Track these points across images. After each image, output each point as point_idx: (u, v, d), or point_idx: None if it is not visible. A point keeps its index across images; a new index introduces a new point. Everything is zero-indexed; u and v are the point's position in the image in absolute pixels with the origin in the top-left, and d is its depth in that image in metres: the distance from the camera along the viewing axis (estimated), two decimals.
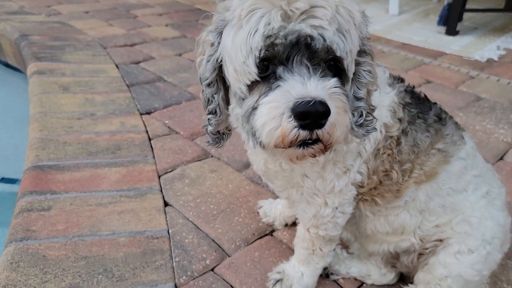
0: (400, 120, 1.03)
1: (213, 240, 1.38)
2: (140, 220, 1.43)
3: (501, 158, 1.90)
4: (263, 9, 0.74)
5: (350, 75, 0.83)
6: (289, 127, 0.73)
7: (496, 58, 3.04)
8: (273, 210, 1.46)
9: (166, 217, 1.46)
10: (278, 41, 0.74)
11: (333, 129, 0.76)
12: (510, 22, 3.81)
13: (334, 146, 0.80)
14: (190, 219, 1.46)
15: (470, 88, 2.57)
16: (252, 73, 0.77)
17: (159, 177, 1.65)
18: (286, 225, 1.47)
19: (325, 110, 0.72)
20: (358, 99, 0.87)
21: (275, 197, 1.56)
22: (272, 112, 0.74)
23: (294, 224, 1.47)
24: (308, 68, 0.75)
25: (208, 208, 1.52)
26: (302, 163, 0.87)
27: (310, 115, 0.72)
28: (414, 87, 1.13)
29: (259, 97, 0.78)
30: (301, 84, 0.73)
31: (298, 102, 0.72)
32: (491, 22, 3.74)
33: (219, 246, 1.36)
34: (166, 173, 1.68)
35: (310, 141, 0.76)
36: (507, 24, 3.73)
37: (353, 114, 0.87)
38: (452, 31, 3.30)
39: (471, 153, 1.10)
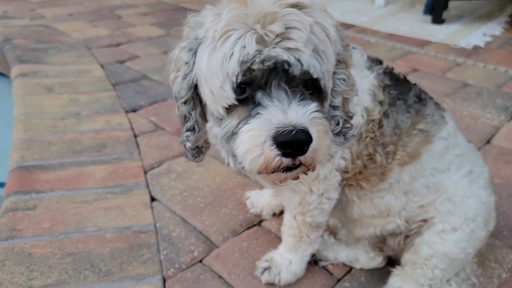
0: (380, 103, 1.03)
1: (200, 232, 1.38)
2: (126, 216, 1.42)
3: (488, 141, 1.90)
4: (237, 32, 0.72)
5: (328, 91, 0.82)
6: (271, 155, 0.73)
7: (482, 45, 3.05)
8: (260, 200, 1.46)
9: (153, 212, 1.45)
10: (255, 66, 0.72)
11: (315, 154, 0.76)
12: (496, 9, 3.83)
13: (314, 168, 0.80)
14: (177, 213, 1.45)
15: (456, 75, 2.58)
16: (230, 98, 0.75)
17: (145, 173, 1.64)
18: (274, 214, 1.46)
19: (307, 138, 0.72)
20: (334, 107, 0.85)
21: (263, 187, 1.55)
22: (254, 141, 0.74)
23: (281, 213, 1.46)
24: (287, 92, 0.74)
25: (195, 201, 1.51)
26: (284, 184, 0.86)
27: (292, 144, 0.72)
28: (393, 68, 1.12)
29: (239, 122, 0.77)
30: (281, 112, 0.73)
31: (279, 131, 0.71)
32: (477, 10, 3.76)
33: (207, 238, 1.36)
34: (153, 168, 1.67)
35: (293, 166, 0.76)
36: (493, 11, 3.75)
37: (330, 123, 0.85)
38: (438, 19, 3.31)
39: (452, 132, 1.10)
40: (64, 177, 1.58)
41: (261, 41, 0.71)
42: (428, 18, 3.41)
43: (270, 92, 0.75)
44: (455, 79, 2.51)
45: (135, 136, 1.86)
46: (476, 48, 3.02)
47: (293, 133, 0.71)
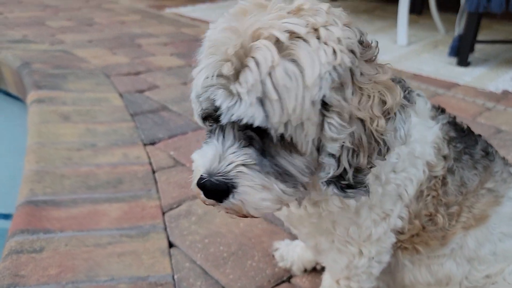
0: (445, 157, 0.91)
1: None
2: (142, 264, 1.28)
3: None
4: (214, 57, 0.68)
5: (299, 141, 0.70)
6: (198, 191, 0.74)
7: (511, 90, 2.95)
8: (291, 253, 1.31)
9: (171, 260, 1.31)
10: (203, 104, 0.71)
11: (239, 206, 0.71)
12: None
13: (260, 215, 0.75)
14: (198, 263, 1.31)
15: (488, 120, 2.46)
16: (197, 118, 0.77)
17: (163, 213, 1.51)
18: (305, 270, 1.31)
19: (215, 189, 0.70)
20: (329, 154, 0.72)
21: (292, 238, 1.41)
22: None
23: (314, 269, 1.31)
24: (232, 135, 0.69)
25: (218, 250, 1.37)
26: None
27: (203, 190, 0.72)
28: (455, 117, 1.01)
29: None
30: (208, 156, 0.71)
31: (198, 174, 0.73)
32: (502, 53, 3.70)
33: None
34: (171, 209, 1.54)
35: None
36: None
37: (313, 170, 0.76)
38: (463, 62, 3.23)
39: None
40: (76, 215, 1.45)
41: (223, 77, 0.67)
42: (453, 60, 3.34)
43: (223, 129, 0.71)
44: (488, 125, 2.40)
45: (153, 171, 1.74)
46: (505, 93, 2.92)
47: (202, 181, 0.71)
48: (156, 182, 1.68)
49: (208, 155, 0.71)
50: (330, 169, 0.71)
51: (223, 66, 0.66)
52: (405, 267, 1.02)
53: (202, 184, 0.71)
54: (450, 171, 0.92)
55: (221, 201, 0.72)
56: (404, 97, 0.87)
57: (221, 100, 0.67)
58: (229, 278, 1.26)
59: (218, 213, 1.53)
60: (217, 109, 0.69)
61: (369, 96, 0.70)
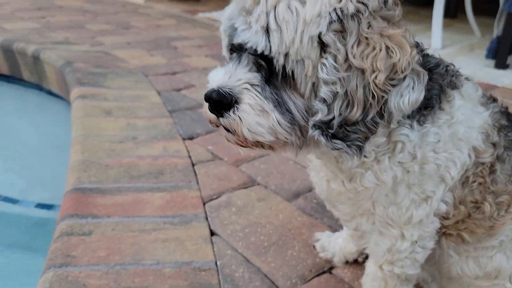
0: (494, 144, 0.90)
1: (265, 276, 1.24)
2: (186, 250, 1.31)
3: None
4: None
5: (296, 76, 0.74)
6: (205, 106, 0.80)
7: None
8: (332, 244, 1.31)
9: (213, 248, 1.34)
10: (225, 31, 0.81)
11: (235, 124, 0.76)
12: None
13: (252, 144, 0.80)
14: (239, 251, 1.33)
15: None
16: (224, 50, 0.85)
17: (204, 204, 1.54)
18: (346, 262, 1.31)
19: (219, 99, 0.76)
20: (321, 99, 0.73)
21: (333, 230, 1.42)
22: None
23: (355, 261, 1.31)
24: (245, 59, 0.77)
25: (258, 240, 1.39)
26: (250, 148, 0.83)
27: (209, 101, 0.77)
28: (507, 107, 1.00)
29: None
30: (219, 72, 0.78)
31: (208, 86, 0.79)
32: None
33: (273, 283, 1.22)
34: (211, 200, 1.57)
35: (226, 128, 0.80)
36: None
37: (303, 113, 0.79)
38: (502, 64, 3.16)
39: None
40: (122, 202, 1.50)
41: (244, 10, 0.76)
42: (491, 62, 3.27)
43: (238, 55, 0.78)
44: None
45: (193, 164, 1.78)
46: None
47: (209, 90, 0.76)
48: (195, 174, 1.71)
49: (221, 73, 0.78)
50: (319, 113, 0.73)
51: (246, 1, 0.75)
52: (451, 258, 1.00)
53: (210, 95, 0.76)
54: (500, 159, 0.90)
55: (222, 115, 0.77)
56: (450, 80, 0.88)
57: (239, 26, 0.76)
58: (271, 266, 1.28)
59: (257, 205, 1.55)
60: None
61: (374, 48, 0.70)
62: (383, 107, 0.72)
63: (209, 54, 3.29)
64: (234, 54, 0.80)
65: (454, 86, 0.90)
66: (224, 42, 0.84)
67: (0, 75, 3.44)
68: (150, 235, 1.36)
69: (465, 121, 0.88)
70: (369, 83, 0.70)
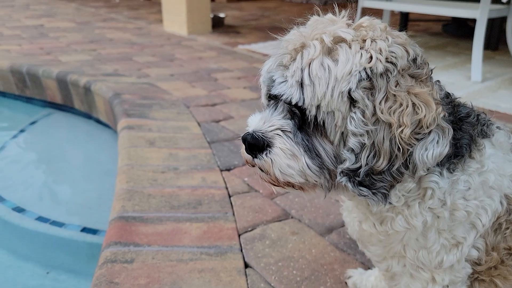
0: None
1: None
2: (220, 281, 1.37)
3: None
4: (280, 51, 0.85)
5: (327, 126, 0.80)
6: (243, 148, 0.88)
7: None
8: (364, 282, 1.33)
9: (247, 280, 1.38)
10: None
11: (268, 165, 0.84)
12: None
13: (283, 184, 0.87)
14: (272, 284, 1.37)
15: None
16: (263, 98, 0.92)
17: (239, 235, 1.60)
18: None
19: (253, 143, 0.84)
20: (350, 149, 0.80)
21: (365, 267, 1.43)
22: None
23: None
24: (280, 108, 0.84)
25: (291, 274, 1.42)
26: (282, 188, 0.90)
27: (246, 143, 0.85)
28: None
29: None
30: (255, 118, 0.87)
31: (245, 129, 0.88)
32: None
33: None
34: (246, 232, 1.62)
35: (260, 168, 0.87)
36: None
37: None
38: None
39: None
40: (161, 231, 1.58)
41: (282, 65, 0.84)
42: None
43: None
44: None
45: (229, 196, 1.85)
46: None
47: (245, 133, 0.85)
48: (232, 205, 1.78)
49: (257, 118, 0.87)
50: (347, 161, 0.79)
51: (284, 57, 0.83)
52: None
53: (245, 138, 0.85)
54: None
55: (255, 156, 0.85)
56: (481, 130, 0.91)
57: (276, 78, 0.83)
58: None
59: (291, 239, 1.59)
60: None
61: (401, 104, 0.76)
62: (408, 159, 0.77)
63: (247, 86, 3.41)
64: (272, 102, 0.88)
65: (485, 135, 0.92)
66: (263, 91, 0.92)
67: (54, 104, 3.72)
68: (187, 265, 1.43)
69: (496, 169, 0.90)
70: (395, 136, 0.75)
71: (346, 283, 1.37)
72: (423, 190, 0.88)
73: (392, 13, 5.95)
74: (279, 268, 1.44)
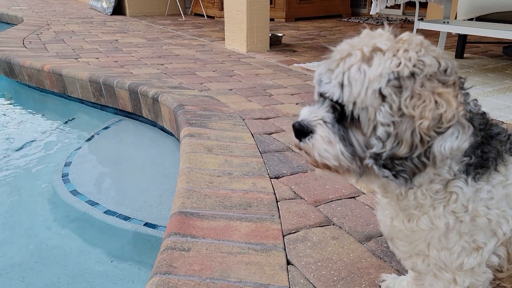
0: None
1: None
2: (264, 273, 1.53)
3: None
4: (331, 58, 1.01)
5: (362, 120, 0.94)
6: (293, 133, 1.03)
7: None
8: (397, 286, 1.43)
9: (288, 275, 1.53)
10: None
11: (309, 148, 0.98)
12: None
13: (321, 166, 1.01)
14: (311, 281, 1.51)
15: None
16: (315, 95, 1.06)
17: (283, 236, 1.76)
18: None
19: (299, 129, 0.99)
20: (377, 137, 0.93)
21: (399, 274, 1.53)
22: None
23: None
24: (327, 105, 0.99)
25: (329, 273, 1.55)
26: (321, 170, 1.04)
27: (294, 129, 1.01)
28: None
29: None
30: (305, 109, 1.03)
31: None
32: None
33: None
34: (290, 233, 1.78)
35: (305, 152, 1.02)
36: None
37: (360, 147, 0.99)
38: None
39: None
40: (215, 227, 1.78)
41: (330, 69, 0.99)
42: None
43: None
44: None
45: (277, 201, 2.02)
46: None
47: (295, 121, 1.01)
48: (278, 209, 1.95)
49: (306, 110, 1.03)
50: (375, 147, 0.92)
51: (332, 63, 0.99)
52: None
53: (294, 124, 1.01)
54: None
55: (301, 140, 1.00)
56: (510, 147, 1.01)
57: (323, 79, 0.99)
58: None
59: (331, 243, 1.72)
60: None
61: (424, 101, 0.88)
62: (428, 150, 0.89)
63: (300, 102, 3.59)
64: (321, 99, 1.04)
65: None
66: (315, 90, 1.08)
67: (124, 112, 4.11)
68: (235, 257, 1.61)
69: None
70: (416, 128, 0.88)
71: (380, 286, 1.48)
72: (448, 194, 0.98)
73: (450, 34, 5.89)
74: (318, 267, 1.58)
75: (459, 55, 5.23)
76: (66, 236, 2.50)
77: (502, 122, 3.14)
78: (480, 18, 4.85)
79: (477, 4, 4.75)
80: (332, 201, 2.03)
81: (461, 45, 5.15)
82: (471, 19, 4.87)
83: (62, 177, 3.09)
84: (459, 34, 5.06)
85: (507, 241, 1.01)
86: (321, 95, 1.02)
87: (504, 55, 5.39)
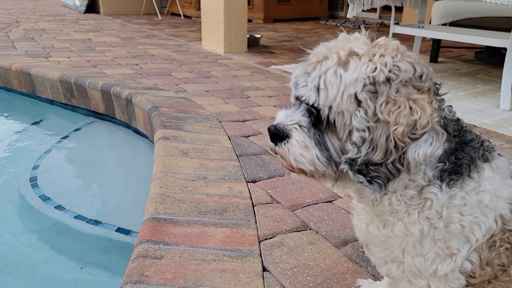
0: None
1: None
2: (239, 281, 1.49)
3: None
4: (308, 61, 1.00)
5: (337, 124, 0.93)
6: (268, 137, 1.02)
7: None
8: None
9: (263, 282, 1.50)
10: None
11: (285, 152, 0.98)
12: None
13: (297, 170, 1.00)
14: None
15: None
16: (292, 98, 1.04)
17: (259, 242, 1.72)
18: None
19: (275, 132, 0.99)
20: (353, 143, 0.92)
21: (375, 279, 1.52)
22: None
23: None
24: (302, 108, 0.98)
25: (305, 280, 1.53)
26: (297, 174, 1.03)
27: (269, 133, 1.00)
28: None
29: None
30: (281, 112, 1.01)
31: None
32: None
33: None
34: (266, 239, 1.75)
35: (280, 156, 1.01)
36: None
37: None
38: None
39: None
40: (189, 233, 1.73)
41: (306, 72, 0.98)
42: None
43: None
44: None
45: (253, 205, 1.99)
46: None
47: (271, 125, 1.00)
48: (255, 214, 1.91)
49: (282, 113, 1.02)
50: (350, 152, 0.91)
51: (309, 66, 0.98)
52: None
53: (270, 128, 1.00)
54: None
55: (276, 144, 1.00)
56: (483, 154, 1.01)
57: (300, 83, 0.98)
58: None
59: (307, 248, 1.70)
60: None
61: (399, 107, 0.88)
62: (402, 156, 0.89)
63: (278, 105, 3.57)
64: (297, 102, 1.02)
65: (486, 159, 1.02)
66: (292, 93, 1.06)
67: (97, 113, 4.00)
68: (210, 265, 1.56)
69: (492, 190, 0.99)
70: (390, 133, 0.87)
71: None
72: (423, 200, 0.97)
73: (424, 38, 6.00)
74: (294, 273, 1.56)
75: (433, 59, 5.33)
76: (34, 244, 2.39)
77: (475, 126, 3.21)
78: (453, 24, 4.96)
79: (450, 9, 4.86)
80: (309, 205, 2.02)
81: (435, 49, 5.25)
82: (444, 24, 4.98)
83: (30, 181, 2.97)
84: (433, 38, 5.16)
85: (480, 247, 1.01)
86: (297, 98, 1.00)
87: (476, 60, 5.53)
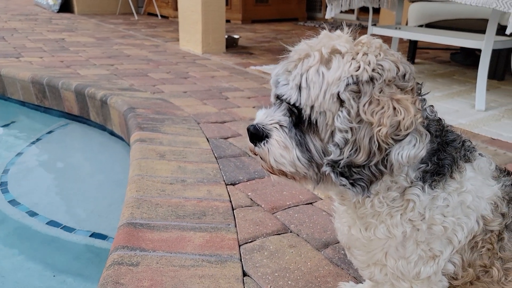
0: (503, 215, 0.99)
1: None
2: (219, 287, 1.45)
3: None
4: (289, 59, 0.97)
5: (319, 124, 0.91)
6: (248, 137, 1.00)
7: None
8: None
9: (244, 287, 1.46)
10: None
11: (264, 153, 0.95)
12: None
13: (277, 172, 0.97)
14: None
15: None
16: (272, 97, 1.02)
17: (239, 246, 1.68)
18: None
19: (254, 132, 0.96)
20: (335, 144, 0.90)
21: (357, 281, 1.50)
22: None
23: None
24: (283, 107, 0.95)
25: (286, 284, 1.50)
26: (277, 176, 1.00)
27: (249, 133, 0.97)
28: None
29: None
30: (260, 112, 0.99)
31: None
32: None
33: None
34: (246, 243, 1.71)
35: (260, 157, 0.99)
36: None
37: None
38: None
39: None
40: (166, 238, 1.68)
41: (287, 71, 0.95)
42: None
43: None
44: None
45: (233, 208, 1.94)
46: None
47: (250, 125, 0.97)
48: (234, 218, 1.87)
49: (262, 113, 0.99)
50: (332, 154, 0.89)
51: (290, 64, 0.95)
52: None
53: (249, 128, 0.97)
54: (509, 228, 0.98)
55: (256, 145, 0.97)
56: (464, 154, 1.00)
57: (281, 81, 0.95)
58: None
59: (288, 252, 1.67)
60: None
61: (382, 107, 0.85)
62: (386, 158, 0.86)
63: (257, 106, 3.54)
64: (277, 101, 0.99)
65: (468, 160, 1.01)
66: (272, 91, 1.03)
67: (71, 115, 3.88)
68: (188, 271, 1.51)
69: (474, 191, 0.98)
70: (374, 135, 0.85)
71: None
72: (405, 202, 0.96)
73: (401, 40, 6.09)
74: (275, 278, 1.52)
75: (410, 60, 5.37)
76: (3, 250, 2.28)
77: (451, 126, 3.25)
78: (429, 25, 5.04)
79: (426, 11, 4.94)
80: (289, 207, 1.99)
81: (412, 50, 5.33)
82: (421, 26, 5.05)
83: (0, 186, 2.85)
84: (410, 40, 5.23)
85: (462, 248, 1.00)
86: (278, 97, 0.97)
87: (451, 61, 5.64)
